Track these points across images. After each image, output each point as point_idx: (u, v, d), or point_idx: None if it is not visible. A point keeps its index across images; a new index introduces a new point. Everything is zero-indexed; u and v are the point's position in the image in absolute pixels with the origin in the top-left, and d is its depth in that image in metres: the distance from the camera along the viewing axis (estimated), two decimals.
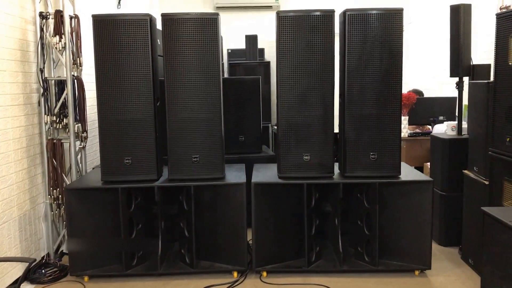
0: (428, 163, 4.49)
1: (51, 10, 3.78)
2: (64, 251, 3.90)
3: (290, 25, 3.33)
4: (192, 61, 3.36)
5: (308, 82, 3.39)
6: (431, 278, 3.44)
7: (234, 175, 3.63)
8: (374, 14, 3.30)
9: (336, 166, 3.67)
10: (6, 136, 3.30)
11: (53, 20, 3.73)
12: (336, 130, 3.50)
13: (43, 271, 3.54)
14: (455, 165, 3.91)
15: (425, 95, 5.78)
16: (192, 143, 3.45)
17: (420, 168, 4.89)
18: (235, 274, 3.51)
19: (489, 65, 3.94)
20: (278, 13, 3.34)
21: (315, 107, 3.43)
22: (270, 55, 6.74)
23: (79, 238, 3.43)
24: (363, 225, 3.56)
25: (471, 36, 3.91)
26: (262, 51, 6.92)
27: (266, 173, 3.66)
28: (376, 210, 3.43)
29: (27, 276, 3.49)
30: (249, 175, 3.65)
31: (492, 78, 3.32)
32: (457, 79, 4.03)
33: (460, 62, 3.90)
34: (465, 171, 3.71)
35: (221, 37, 6.47)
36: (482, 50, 4.94)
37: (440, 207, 4.01)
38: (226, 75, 6.61)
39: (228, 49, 7.00)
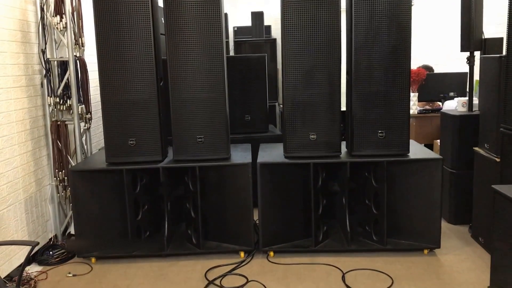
0: (438, 141, 4.41)
1: None
2: (71, 232, 3.91)
3: (296, 1, 3.23)
4: (195, 39, 3.29)
5: (314, 60, 3.31)
6: (440, 257, 3.40)
7: (240, 155, 3.58)
8: None
9: (344, 144, 3.61)
10: (9, 119, 3.28)
11: (53, 0, 3.66)
12: (343, 108, 3.43)
13: (50, 252, 3.56)
14: (466, 142, 3.83)
15: (435, 71, 5.65)
16: (197, 123, 3.40)
17: (430, 146, 4.82)
18: (242, 254, 3.50)
19: (501, 39, 3.81)
20: None
21: (321, 85, 3.35)
22: (277, 32, 6.62)
23: (86, 220, 3.42)
24: (371, 204, 3.51)
25: (483, 8, 3.77)
26: (268, 28, 6.80)
27: (272, 153, 3.61)
28: (384, 189, 3.38)
29: (35, 258, 3.51)
30: (255, 155, 3.60)
31: (504, 52, 3.21)
32: (468, 53, 3.91)
33: (471, 36, 3.78)
34: (476, 148, 3.63)
35: (226, 14, 6.36)
36: (495, 23, 4.79)
37: (450, 185, 3.95)
38: (232, 53, 6.52)
39: (234, 27, 6.88)
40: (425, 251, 3.46)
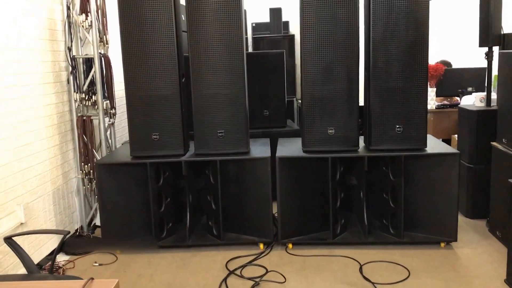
0: (456, 135, 4.43)
1: None
2: (96, 224, 4.04)
3: None
4: (216, 36, 3.37)
5: (332, 55, 3.37)
6: (457, 250, 3.44)
7: (259, 149, 3.66)
8: None
9: (361, 139, 3.67)
10: (38, 114, 3.41)
11: None
12: (361, 103, 3.48)
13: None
14: (484, 137, 3.86)
15: (454, 66, 5.65)
16: (217, 118, 3.49)
17: (448, 141, 4.84)
18: (261, 245, 3.59)
19: None
20: None
21: (339, 80, 3.41)
22: (295, 28, 6.67)
23: (111, 211, 3.54)
24: (389, 197, 3.56)
25: (502, 2, 3.78)
26: (286, 24, 6.86)
27: (290, 147, 3.68)
28: (402, 183, 3.43)
29: (62, 248, 3.65)
30: (273, 149, 3.68)
31: None
32: (486, 49, 3.92)
33: (489, 31, 3.79)
34: (494, 143, 3.65)
35: (245, 11, 6.43)
36: None
37: (467, 180, 3.98)
38: (250, 49, 6.59)
39: (252, 23, 6.95)
40: (442, 244, 3.50)
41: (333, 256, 3.43)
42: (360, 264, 3.29)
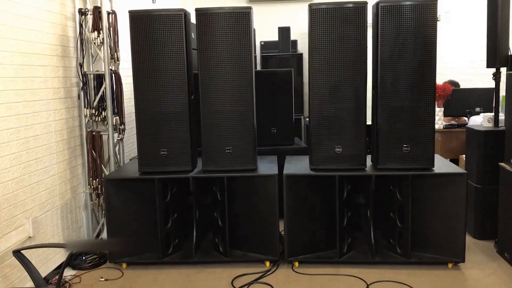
0: (464, 156, 4.43)
1: (90, 7, 3.90)
2: (103, 239, 4.05)
3: (323, 17, 3.34)
4: (225, 54, 3.42)
5: (340, 74, 3.40)
6: (465, 271, 3.41)
7: (266, 166, 3.68)
8: (408, 5, 3.27)
9: (369, 158, 3.67)
10: (49, 129, 3.46)
11: (91, 16, 3.86)
12: (369, 122, 3.50)
13: (83, 257, 3.70)
14: (491, 157, 3.85)
15: (462, 86, 5.66)
16: (225, 135, 3.52)
17: (456, 161, 4.83)
18: (268, 263, 3.58)
19: None
20: (310, 5, 3.35)
21: (347, 99, 3.43)
22: (303, 47, 6.73)
23: (118, 227, 3.56)
24: (396, 217, 3.55)
25: (510, 24, 3.81)
26: (295, 42, 6.93)
27: (298, 165, 3.69)
28: (409, 203, 3.42)
29: (69, 262, 3.66)
30: (281, 167, 3.69)
31: None
32: (494, 69, 3.94)
33: (497, 52, 3.81)
34: (502, 164, 3.64)
35: (254, 29, 6.52)
36: None
37: (475, 200, 3.96)
38: (259, 68, 6.65)
39: (261, 41, 7.03)
40: (450, 265, 3.47)
41: (339, 275, 3.41)
42: (366, 283, 3.27)
